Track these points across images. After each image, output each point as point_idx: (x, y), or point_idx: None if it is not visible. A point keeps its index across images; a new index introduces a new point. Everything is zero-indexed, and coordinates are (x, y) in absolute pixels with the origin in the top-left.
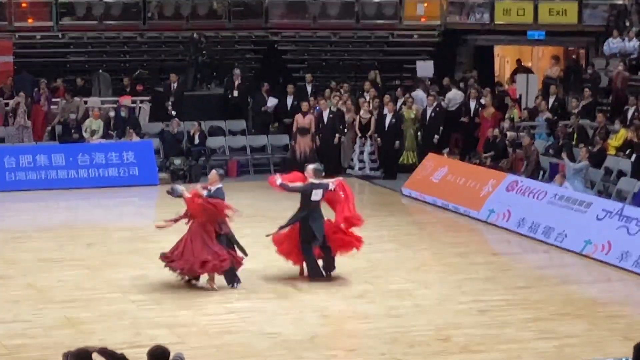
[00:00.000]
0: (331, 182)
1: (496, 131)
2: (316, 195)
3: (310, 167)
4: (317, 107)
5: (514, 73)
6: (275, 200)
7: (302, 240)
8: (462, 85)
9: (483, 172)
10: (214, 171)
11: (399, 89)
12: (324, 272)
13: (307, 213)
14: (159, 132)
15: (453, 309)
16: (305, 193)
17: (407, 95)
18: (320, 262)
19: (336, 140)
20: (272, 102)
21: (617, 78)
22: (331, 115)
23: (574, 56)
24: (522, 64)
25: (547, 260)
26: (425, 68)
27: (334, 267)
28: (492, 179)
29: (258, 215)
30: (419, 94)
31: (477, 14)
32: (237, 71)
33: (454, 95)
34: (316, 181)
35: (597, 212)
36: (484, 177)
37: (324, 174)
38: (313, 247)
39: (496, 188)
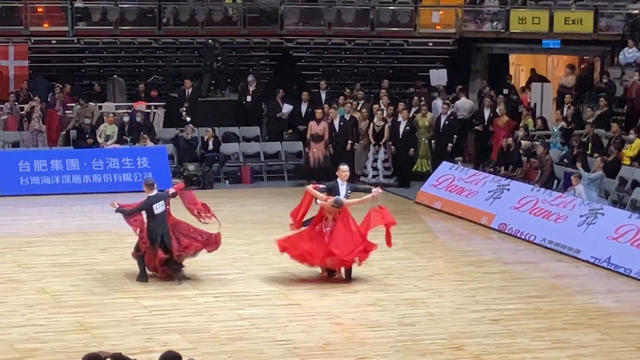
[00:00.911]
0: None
1: (509, 140)
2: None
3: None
4: (329, 116)
5: (529, 82)
6: (289, 207)
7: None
8: (481, 95)
9: (473, 212)
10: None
11: (415, 97)
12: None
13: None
14: (173, 137)
15: (466, 318)
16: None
17: (422, 102)
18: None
19: (348, 147)
20: (287, 108)
21: (632, 88)
22: (342, 123)
23: (582, 66)
24: (537, 72)
25: (561, 269)
26: (438, 76)
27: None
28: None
29: (271, 222)
30: (437, 102)
31: (493, 22)
32: (250, 78)
33: (462, 104)
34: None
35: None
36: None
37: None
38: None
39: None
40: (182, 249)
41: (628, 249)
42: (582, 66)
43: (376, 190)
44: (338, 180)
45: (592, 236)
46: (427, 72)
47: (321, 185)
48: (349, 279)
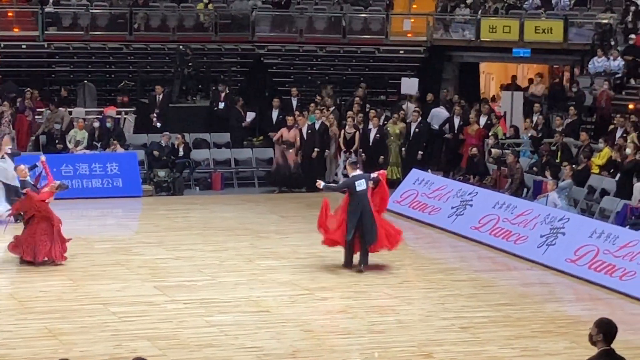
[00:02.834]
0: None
1: (474, 150)
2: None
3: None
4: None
5: (506, 90)
6: (259, 213)
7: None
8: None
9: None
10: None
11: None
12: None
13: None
14: (149, 143)
15: (435, 326)
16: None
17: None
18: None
19: (314, 154)
20: (250, 116)
21: (601, 97)
22: (310, 131)
23: (553, 76)
24: (504, 81)
25: (530, 277)
26: (410, 85)
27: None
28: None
29: (241, 229)
30: (441, 111)
31: (463, 30)
32: (221, 87)
33: (437, 113)
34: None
35: None
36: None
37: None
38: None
39: None
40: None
41: (585, 272)
42: (554, 78)
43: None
44: (350, 174)
45: (552, 258)
46: (399, 80)
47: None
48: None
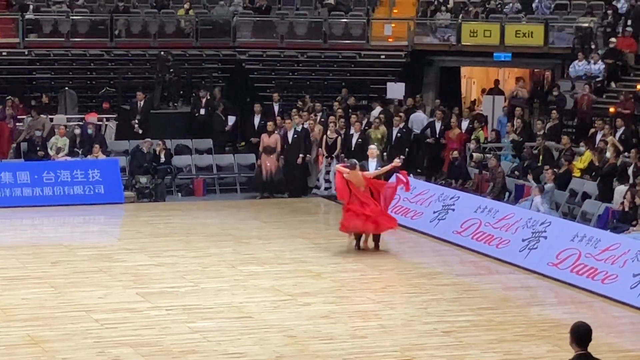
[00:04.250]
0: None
1: (455, 153)
2: None
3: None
4: (283, 127)
5: (488, 94)
6: (241, 219)
7: None
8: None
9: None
10: None
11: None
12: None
13: None
14: (131, 149)
15: (418, 330)
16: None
17: (376, 118)
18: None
19: (299, 160)
20: (231, 120)
21: (582, 100)
22: (295, 136)
23: (534, 79)
24: (485, 86)
25: (512, 281)
26: (396, 90)
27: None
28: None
29: (223, 234)
30: (420, 115)
31: (444, 35)
32: (202, 93)
33: (417, 117)
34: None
35: None
36: None
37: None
38: None
39: None
40: None
41: (567, 275)
42: (535, 82)
43: (397, 161)
44: (369, 159)
45: (534, 261)
46: (381, 85)
47: (348, 163)
48: (377, 247)
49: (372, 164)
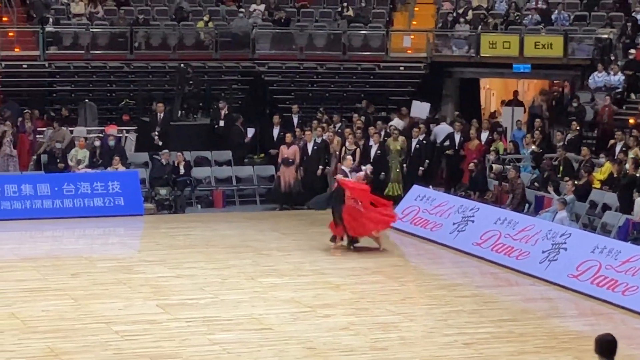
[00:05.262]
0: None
1: (471, 165)
2: None
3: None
4: (303, 139)
5: (507, 105)
6: (261, 231)
7: None
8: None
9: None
10: None
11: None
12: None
13: None
14: (149, 160)
15: (438, 342)
16: None
17: (392, 126)
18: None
19: (319, 172)
20: (250, 132)
21: (603, 111)
22: (315, 147)
23: (554, 90)
24: (504, 97)
25: (532, 293)
26: (420, 109)
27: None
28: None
29: (243, 246)
30: (444, 127)
31: (464, 46)
32: (222, 104)
33: (441, 129)
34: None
35: None
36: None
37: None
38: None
39: None
40: None
41: (588, 287)
42: (554, 92)
43: (366, 168)
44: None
45: (554, 273)
46: (400, 97)
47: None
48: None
49: (351, 175)
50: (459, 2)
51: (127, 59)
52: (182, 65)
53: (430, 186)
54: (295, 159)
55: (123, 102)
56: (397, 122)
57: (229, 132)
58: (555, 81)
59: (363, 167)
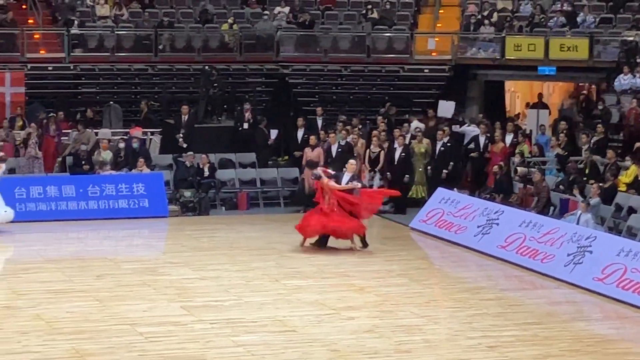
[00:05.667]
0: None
1: (496, 168)
2: None
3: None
4: (327, 141)
5: (532, 108)
6: (285, 233)
7: None
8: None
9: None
10: None
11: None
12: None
13: None
14: (173, 162)
15: (462, 345)
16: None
17: (417, 129)
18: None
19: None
20: (273, 134)
21: (629, 114)
22: (339, 150)
23: (581, 93)
24: (529, 100)
25: (557, 296)
26: (446, 108)
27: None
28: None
29: (267, 248)
30: (474, 129)
31: (488, 49)
32: (247, 106)
33: (471, 131)
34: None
35: None
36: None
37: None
38: None
39: None
40: None
41: (613, 290)
42: (582, 95)
43: (356, 184)
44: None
45: (579, 276)
46: (424, 99)
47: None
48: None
49: (346, 178)
50: (483, 5)
51: (152, 61)
52: (206, 67)
53: (455, 189)
54: (320, 161)
55: (143, 104)
56: (417, 125)
57: (253, 134)
58: (580, 84)
59: (355, 182)
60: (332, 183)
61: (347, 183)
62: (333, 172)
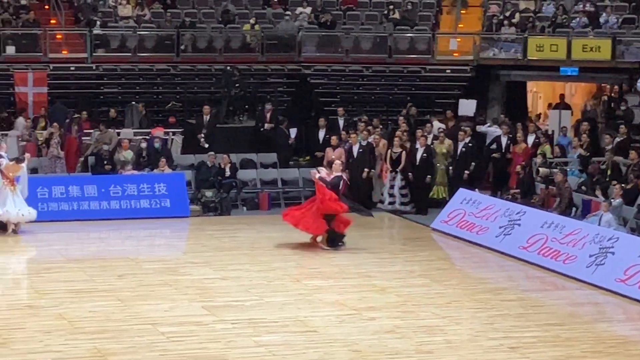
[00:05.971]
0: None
1: (518, 168)
2: None
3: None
4: (348, 141)
5: (555, 109)
6: (306, 234)
7: None
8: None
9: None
10: None
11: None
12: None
13: None
14: (197, 163)
15: (484, 346)
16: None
17: (439, 129)
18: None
19: (364, 174)
20: (293, 133)
21: None
22: (361, 150)
23: (604, 94)
24: (551, 100)
25: (579, 297)
26: (467, 106)
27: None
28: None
29: (288, 248)
30: (496, 130)
31: (510, 49)
32: (268, 106)
33: (493, 131)
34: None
35: None
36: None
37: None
38: None
39: None
40: None
41: (635, 292)
42: (604, 95)
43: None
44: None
45: (601, 277)
46: (446, 99)
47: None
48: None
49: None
50: (506, 5)
51: (174, 61)
52: (228, 67)
53: (477, 189)
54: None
55: (170, 104)
56: (439, 126)
57: (274, 134)
58: (602, 84)
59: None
60: (320, 183)
61: (332, 181)
62: (333, 177)
